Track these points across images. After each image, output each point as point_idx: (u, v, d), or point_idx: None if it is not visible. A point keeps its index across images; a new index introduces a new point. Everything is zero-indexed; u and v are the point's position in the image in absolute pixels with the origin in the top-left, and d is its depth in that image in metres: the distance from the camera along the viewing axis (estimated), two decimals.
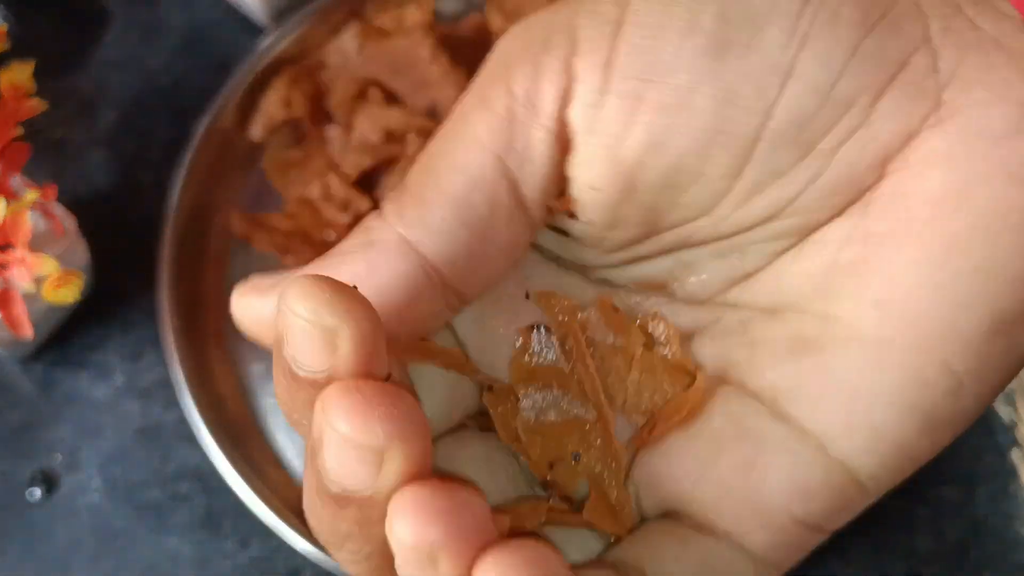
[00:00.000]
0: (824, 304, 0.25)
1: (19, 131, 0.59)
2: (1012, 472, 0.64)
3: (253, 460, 0.62)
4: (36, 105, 0.60)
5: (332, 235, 0.66)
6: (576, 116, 0.24)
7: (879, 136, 0.23)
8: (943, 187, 0.22)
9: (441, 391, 0.26)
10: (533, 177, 0.24)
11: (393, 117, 0.68)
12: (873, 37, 0.22)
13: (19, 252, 0.56)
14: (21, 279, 0.56)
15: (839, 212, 0.24)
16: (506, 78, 0.25)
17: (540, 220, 0.26)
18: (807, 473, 0.24)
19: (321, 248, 0.65)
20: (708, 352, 0.27)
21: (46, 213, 0.59)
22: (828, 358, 0.24)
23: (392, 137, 0.68)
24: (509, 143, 0.24)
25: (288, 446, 0.64)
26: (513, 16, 0.70)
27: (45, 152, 0.70)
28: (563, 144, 0.24)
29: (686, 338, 0.27)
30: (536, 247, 0.28)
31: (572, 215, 0.26)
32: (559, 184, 0.25)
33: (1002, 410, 0.65)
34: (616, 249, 0.26)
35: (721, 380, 0.26)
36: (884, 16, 0.22)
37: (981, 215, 0.22)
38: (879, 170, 0.23)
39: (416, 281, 0.24)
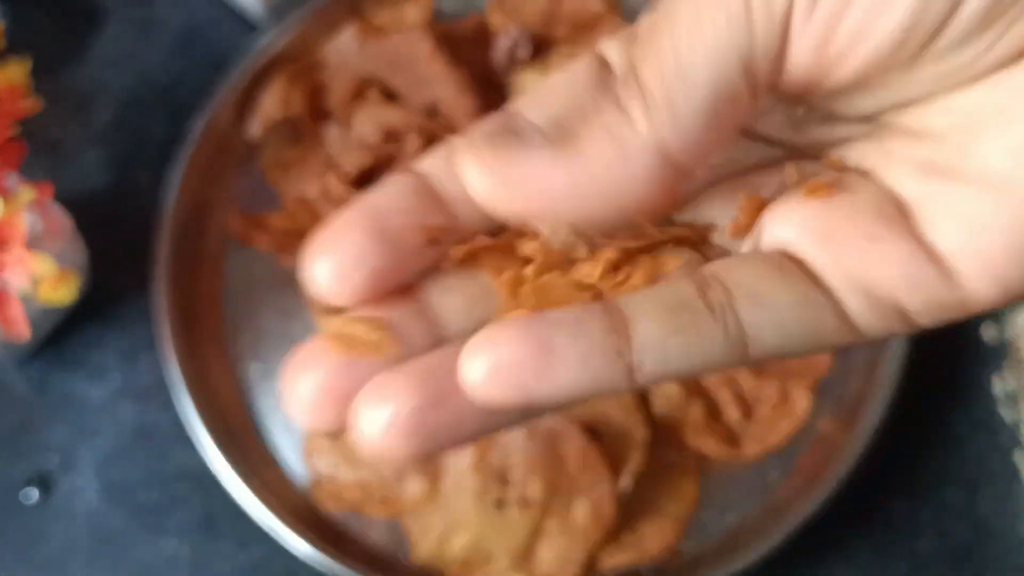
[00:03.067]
0: (963, 139, 0.27)
1: (15, 130, 0.59)
2: (1015, 474, 0.64)
3: (250, 461, 0.62)
4: (32, 104, 0.60)
5: None
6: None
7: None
8: None
9: None
10: (769, 74, 0.26)
11: (392, 116, 0.68)
12: None
13: (16, 251, 0.56)
14: (18, 279, 0.56)
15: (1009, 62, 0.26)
16: None
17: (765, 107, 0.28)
18: (920, 272, 0.26)
19: None
20: (849, 155, 0.29)
21: (43, 212, 0.59)
22: (954, 186, 0.26)
23: (391, 136, 0.68)
24: (751, 42, 0.25)
25: (285, 446, 0.64)
26: (513, 14, 0.70)
27: (41, 151, 0.70)
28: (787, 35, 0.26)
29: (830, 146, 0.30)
30: None
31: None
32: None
33: (1005, 412, 0.65)
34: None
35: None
36: None
37: None
38: None
39: (660, 179, 0.26)
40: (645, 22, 0.27)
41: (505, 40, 0.70)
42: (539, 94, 0.28)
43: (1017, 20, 0.25)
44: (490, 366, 0.24)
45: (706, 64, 0.25)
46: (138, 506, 0.64)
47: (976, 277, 0.26)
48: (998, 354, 0.66)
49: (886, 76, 0.27)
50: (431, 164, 0.28)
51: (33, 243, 0.58)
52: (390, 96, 0.70)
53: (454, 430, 0.26)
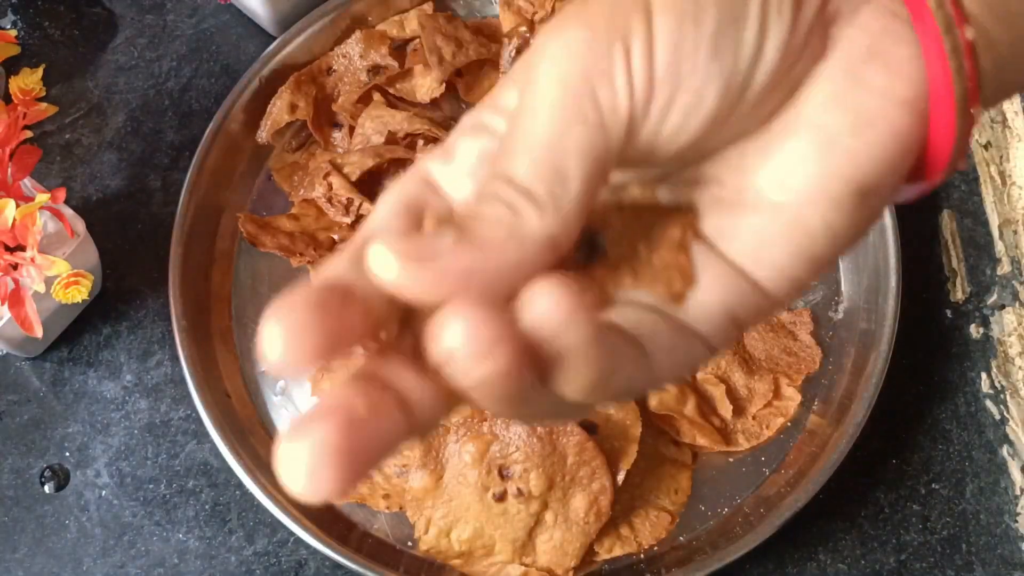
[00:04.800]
0: (738, 179, 0.33)
1: (29, 134, 0.59)
2: (1001, 468, 0.65)
3: (259, 456, 0.63)
4: (46, 109, 0.61)
5: (336, 236, 0.67)
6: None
7: (792, 75, 0.32)
8: (823, 97, 0.31)
9: None
10: (618, 157, 0.31)
11: (397, 119, 0.69)
12: (801, 15, 0.31)
13: (30, 253, 0.57)
14: (32, 280, 0.57)
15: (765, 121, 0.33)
16: None
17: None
18: (734, 285, 0.32)
19: (325, 248, 0.66)
20: (664, 195, 0.35)
21: (56, 215, 0.60)
22: (738, 216, 0.33)
23: (395, 139, 0.69)
24: (607, 143, 0.31)
25: None
26: (520, 15, 0.71)
27: (55, 155, 0.71)
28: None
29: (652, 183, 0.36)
30: None
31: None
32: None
33: (992, 408, 0.65)
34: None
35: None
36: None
37: (846, 115, 0.31)
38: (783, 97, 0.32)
39: (547, 259, 0.30)
40: (503, 144, 0.31)
41: (514, 42, 0.70)
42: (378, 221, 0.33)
43: (775, 93, 0.31)
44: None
45: (580, 169, 0.30)
46: (150, 499, 0.65)
47: (774, 282, 0.32)
48: (985, 352, 0.67)
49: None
50: (338, 265, 0.31)
51: (47, 245, 0.59)
52: (395, 101, 0.71)
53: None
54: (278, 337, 0.28)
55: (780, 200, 0.32)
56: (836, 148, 0.31)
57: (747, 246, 0.32)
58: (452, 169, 0.33)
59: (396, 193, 0.33)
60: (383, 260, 0.28)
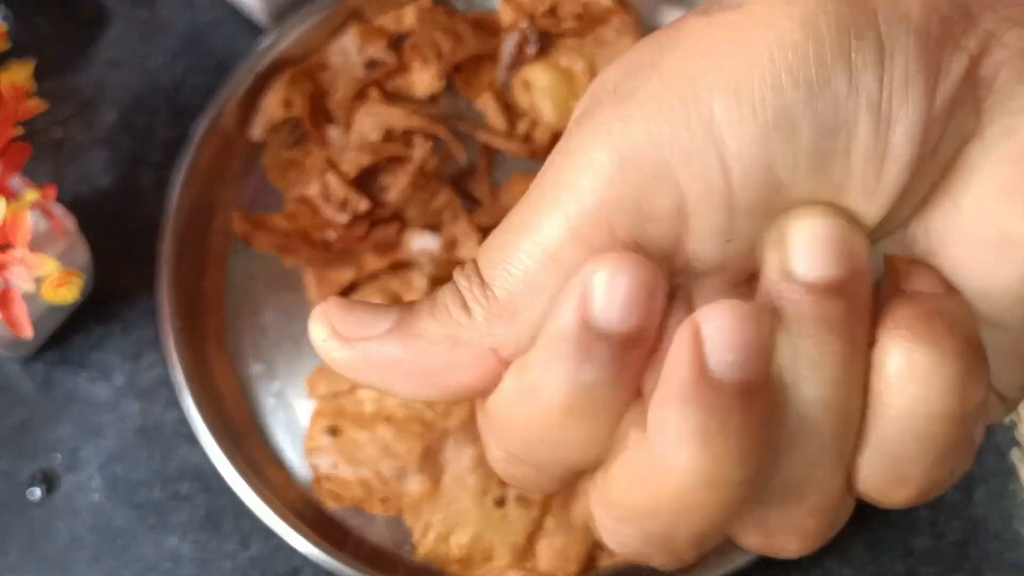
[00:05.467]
0: (927, 241, 0.27)
1: (19, 131, 0.59)
2: (1011, 472, 0.64)
3: (253, 460, 0.63)
4: (36, 105, 0.60)
5: (332, 235, 0.66)
6: None
7: (944, 156, 0.26)
8: (992, 185, 0.26)
9: None
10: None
11: (394, 115, 0.68)
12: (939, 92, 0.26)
13: (19, 252, 0.56)
14: (21, 279, 0.56)
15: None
16: None
17: None
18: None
19: (320, 248, 0.66)
20: None
21: (46, 213, 0.59)
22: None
23: (392, 136, 0.68)
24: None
25: (286, 445, 0.65)
26: (520, 10, 0.70)
27: (45, 152, 0.70)
28: None
29: None
30: None
31: None
32: None
33: None
34: None
35: None
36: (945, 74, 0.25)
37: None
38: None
39: (486, 372, 0.28)
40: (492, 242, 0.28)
41: (514, 37, 0.70)
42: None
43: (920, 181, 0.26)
44: None
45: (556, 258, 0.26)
46: (141, 504, 0.64)
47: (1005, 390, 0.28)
48: None
49: None
50: None
51: (37, 244, 0.58)
52: (391, 97, 0.70)
53: None
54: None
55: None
56: (1017, 254, 0.26)
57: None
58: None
59: None
60: (315, 323, 0.28)
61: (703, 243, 0.26)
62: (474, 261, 0.28)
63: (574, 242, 0.26)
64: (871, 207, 0.26)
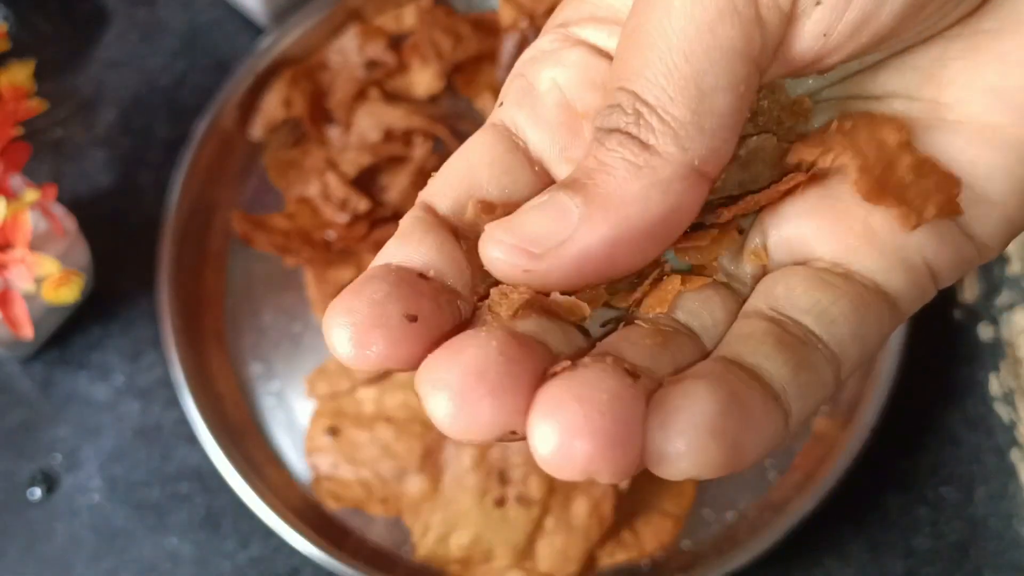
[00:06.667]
0: (934, 91, 0.27)
1: (19, 131, 0.59)
2: (1011, 472, 0.64)
3: (252, 460, 0.63)
4: (36, 105, 0.60)
5: (331, 235, 0.66)
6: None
7: None
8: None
9: None
10: (772, 62, 0.25)
11: (393, 115, 0.68)
12: None
13: (19, 252, 0.56)
14: (21, 279, 0.56)
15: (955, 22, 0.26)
16: None
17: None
18: (944, 232, 0.27)
19: (320, 248, 0.65)
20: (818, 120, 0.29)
21: (46, 213, 0.59)
22: (938, 137, 0.27)
23: (391, 136, 0.68)
24: (763, 44, 0.25)
25: (286, 445, 0.65)
26: (520, 10, 0.70)
27: (45, 152, 0.70)
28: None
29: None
30: None
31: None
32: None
33: (1001, 410, 0.65)
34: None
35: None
36: None
37: None
38: None
39: (697, 196, 0.25)
40: (620, 48, 0.26)
41: (513, 37, 0.70)
42: (450, 177, 0.27)
43: None
44: (702, 431, 0.23)
45: (729, 77, 0.24)
46: (141, 504, 0.64)
47: (988, 227, 0.27)
48: (995, 353, 0.66)
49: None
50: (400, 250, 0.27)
51: (37, 244, 0.58)
52: (391, 97, 0.70)
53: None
54: (347, 324, 0.24)
55: (996, 121, 0.26)
56: None
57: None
58: (540, 112, 0.28)
59: (474, 159, 0.27)
60: (497, 257, 0.24)
61: None
62: (628, 92, 0.25)
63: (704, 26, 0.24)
64: None
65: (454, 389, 0.23)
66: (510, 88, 0.29)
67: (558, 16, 0.29)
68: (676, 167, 0.24)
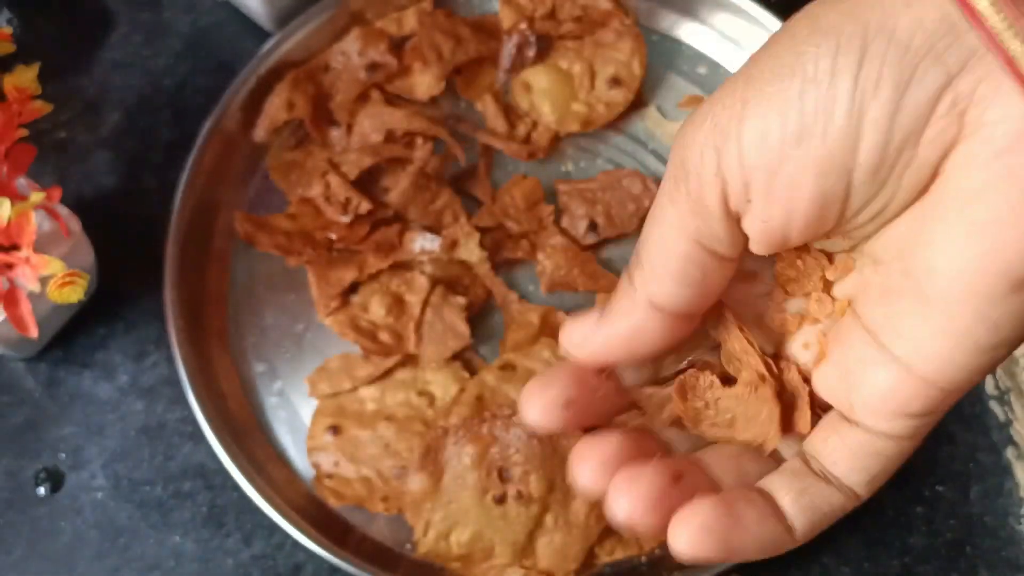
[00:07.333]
0: (903, 263, 0.33)
1: (24, 132, 0.59)
2: (1006, 470, 0.64)
3: (256, 458, 0.63)
4: (41, 107, 0.61)
5: (333, 236, 0.67)
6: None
7: (929, 159, 0.31)
8: (970, 184, 0.30)
9: None
10: (732, 246, 0.35)
11: (395, 117, 0.69)
12: (908, 95, 0.30)
13: (24, 252, 0.56)
14: (26, 279, 0.57)
15: (913, 202, 0.33)
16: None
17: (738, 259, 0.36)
18: (902, 386, 0.33)
19: (322, 248, 0.66)
20: (837, 288, 0.37)
21: (51, 214, 0.60)
22: (907, 305, 0.33)
23: (393, 137, 0.69)
24: (699, 229, 0.34)
25: (289, 443, 0.65)
26: (520, 12, 0.70)
27: (50, 153, 0.71)
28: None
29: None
30: None
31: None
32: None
33: (997, 409, 0.65)
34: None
35: (851, 304, 0.37)
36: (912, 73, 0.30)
37: (996, 206, 0.30)
38: (931, 178, 0.32)
39: (659, 324, 0.37)
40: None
41: (514, 39, 0.70)
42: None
43: (906, 169, 0.31)
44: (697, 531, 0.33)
45: (670, 243, 0.35)
46: (145, 502, 0.64)
47: (945, 374, 0.33)
48: None
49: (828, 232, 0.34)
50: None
51: (42, 244, 0.58)
52: (393, 99, 0.70)
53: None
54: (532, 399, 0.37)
55: (933, 293, 0.32)
56: (988, 240, 0.30)
57: (910, 341, 0.33)
58: None
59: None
60: (566, 340, 0.38)
61: None
62: (637, 253, 0.36)
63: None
64: (853, 189, 0.32)
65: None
66: None
67: None
68: (637, 298, 0.36)
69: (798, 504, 0.35)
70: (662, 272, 0.35)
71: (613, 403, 0.38)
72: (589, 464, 0.36)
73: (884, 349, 0.34)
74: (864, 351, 0.34)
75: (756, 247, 0.35)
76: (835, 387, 0.36)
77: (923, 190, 0.32)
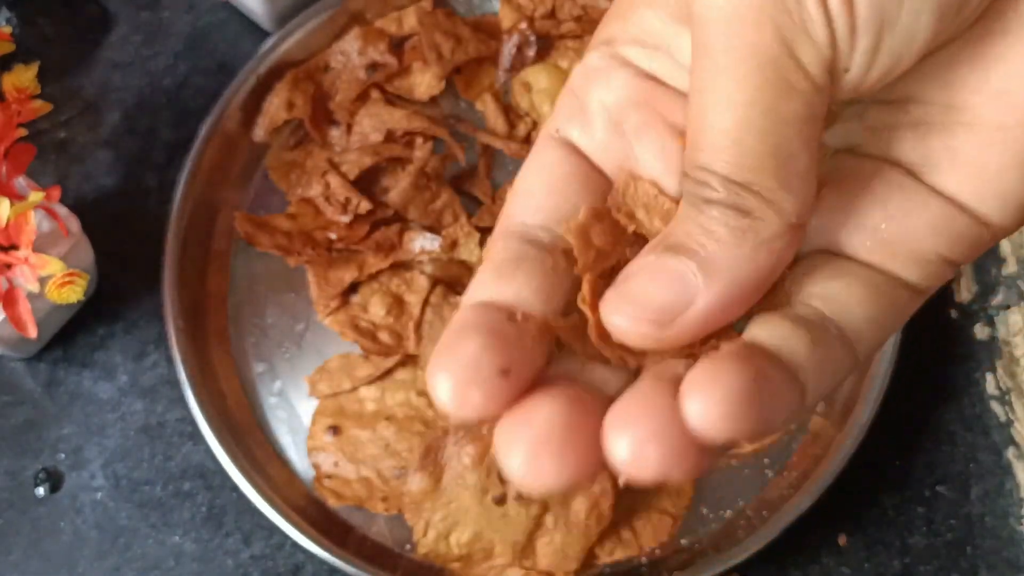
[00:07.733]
0: (947, 95, 0.29)
1: (23, 132, 0.59)
2: (1007, 470, 0.64)
3: (255, 458, 0.63)
4: (40, 107, 0.61)
5: (333, 235, 0.67)
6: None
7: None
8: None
9: None
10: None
11: (395, 117, 0.69)
12: None
13: (24, 253, 0.57)
14: (26, 279, 0.57)
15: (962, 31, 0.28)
16: None
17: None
18: (954, 224, 0.29)
19: (322, 248, 0.66)
20: (826, 139, 0.31)
21: (50, 214, 0.60)
22: (953, 139, 0.29)
23: (393, 137, 0.69)
24: (820, 109, 0.27)
25: (288, 444, 0.65)
26: (520, 12, 0.70)
27: (49, 153, 0.71)
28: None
29: None
30: None
31: None
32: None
33: (997, 409, 0.65)
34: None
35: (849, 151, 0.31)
36: None
37: None
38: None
39: (794, 246, 0.28)
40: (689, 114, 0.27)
41: (514, 39, 0.70)
42: (531, 200, 0.30)
43: None
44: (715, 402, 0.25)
45: (803, 143, 0.26)
46: (145, 502, 0.64)
47: (999, 211, 0.29)
48: (991, 352, 0.66)
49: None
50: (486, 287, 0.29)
51: (41, 244, 0.58)
52: (392, 99, 0.70)
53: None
54: (448, 380, 0.26)
55: (1004, 122, 0.28)
56: None
57: (965, 175, 0.28)
58: (591, 131, 0.30)
59: (550, 176, 0.30)
60: (625, 327, 0.27)
61: None
62: (715, 174, 0.27)
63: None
64: (961, 17, 0.27)
65: (523, 453, 0.26)
66: (563, 104, 0.31)
67: (603, 32, 0.32)
68: (776, 227, 0.27)
69: (812, 358, 0.28)
70: (801, 178, 0.27)
71: (541, 351, 0.28)
72: (520, 449, 0.26)
73: (928, 191, 0.29)
74: (903, 193, 0.29)
75: (865, 81, 0.27)
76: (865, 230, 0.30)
77: (974, 19, 0.27)
